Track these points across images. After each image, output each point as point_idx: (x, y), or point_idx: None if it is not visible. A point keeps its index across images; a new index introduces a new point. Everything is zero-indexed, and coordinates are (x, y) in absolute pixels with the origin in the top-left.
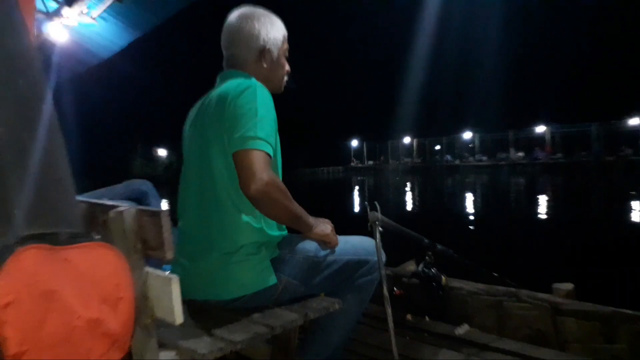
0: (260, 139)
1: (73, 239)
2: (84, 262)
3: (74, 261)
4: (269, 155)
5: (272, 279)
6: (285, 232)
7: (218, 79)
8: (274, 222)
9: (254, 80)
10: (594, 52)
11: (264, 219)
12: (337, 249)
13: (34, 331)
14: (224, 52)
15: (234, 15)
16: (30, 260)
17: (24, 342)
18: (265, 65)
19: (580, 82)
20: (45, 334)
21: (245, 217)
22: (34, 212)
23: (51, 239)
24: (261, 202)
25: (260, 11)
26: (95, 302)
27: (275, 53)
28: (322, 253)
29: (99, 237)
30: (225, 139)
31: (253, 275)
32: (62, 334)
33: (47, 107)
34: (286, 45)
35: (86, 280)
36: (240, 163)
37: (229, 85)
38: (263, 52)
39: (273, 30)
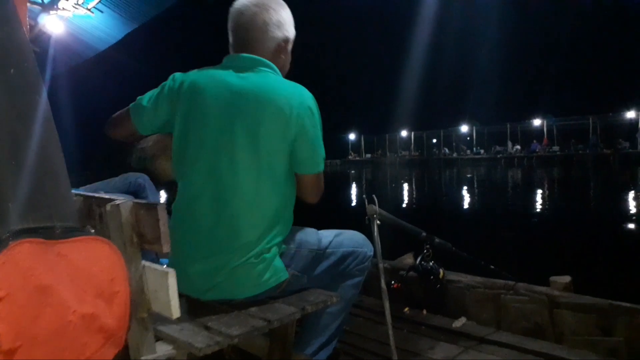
0: (324, 159)
1: (68, 233)
2: (79, 257)
3: (68, 256)
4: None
5: (284, 274)
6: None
7: (228, 61)
8: (289, 224)
9: (304, 90)
10: (591, 45)
11: (279, 224)
12: (334, 241)
13: (28, 326)
14: (236, 34)
15: None
16: (24, 254)
17: (18, 337)
18: (283, 57)
19: (578, 74)
20: (40, 329)
21: (262, 222)
22: (28, 206)
23: (45, 233)
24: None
25: (281, 0)
26: (90, 297)
27: (291, 46)
28: (323, 245)
29: (94, 231)
30: (285, 150)
31: (269, 275)
32: (56, 329)
33: (40, 98)
34: None
35: (81, 275)
36: (310, 183)
37: (280, 88)
38: (286, 42)
39: (292, 22)
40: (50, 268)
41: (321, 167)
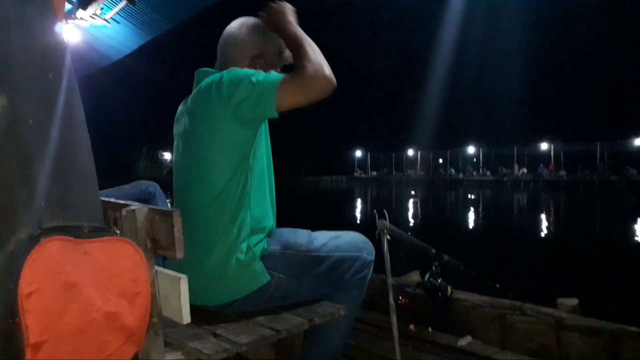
0: (269, 80)
1: (95, 232)
2: (104, 256)
3: (94, 254)
4: (281, 76)
5: (265, 277)
6: (273, 226)
7: (195, 78)
8: (259, 214)
9: (225, 71)
10: (600, 71)
11: (242, 215)
12: (329, 244)
13: (55, 321)
14: (218, 54)
15: (236, 22)
16: (54, 251)
17: (45, 331)
18: (256, 70)
19: (586, 100)
20: (65, 324)
21: (234, 220)
22: (59, 205)
23: (74, 232)
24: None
25: (262, 23)
26: (113, 296)
27: (263, 61)
28: (314, 247)
29: (119, 232)
30: (223, 131)
31: (247, 278)
32: (80, 326)
33: (75, 102)
34: (282, 63)
35: (105, 274)
36: (293, 106)
37: (205, 81)
38: (255, 57)
39: (269, 42)
40: (77, 266)
41: (272, 94)
